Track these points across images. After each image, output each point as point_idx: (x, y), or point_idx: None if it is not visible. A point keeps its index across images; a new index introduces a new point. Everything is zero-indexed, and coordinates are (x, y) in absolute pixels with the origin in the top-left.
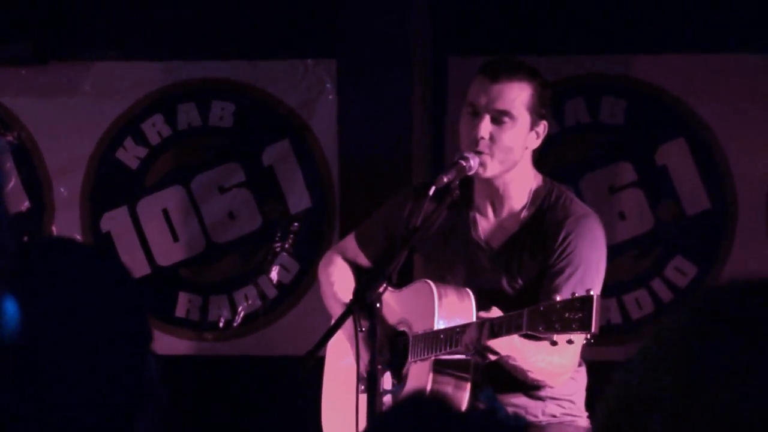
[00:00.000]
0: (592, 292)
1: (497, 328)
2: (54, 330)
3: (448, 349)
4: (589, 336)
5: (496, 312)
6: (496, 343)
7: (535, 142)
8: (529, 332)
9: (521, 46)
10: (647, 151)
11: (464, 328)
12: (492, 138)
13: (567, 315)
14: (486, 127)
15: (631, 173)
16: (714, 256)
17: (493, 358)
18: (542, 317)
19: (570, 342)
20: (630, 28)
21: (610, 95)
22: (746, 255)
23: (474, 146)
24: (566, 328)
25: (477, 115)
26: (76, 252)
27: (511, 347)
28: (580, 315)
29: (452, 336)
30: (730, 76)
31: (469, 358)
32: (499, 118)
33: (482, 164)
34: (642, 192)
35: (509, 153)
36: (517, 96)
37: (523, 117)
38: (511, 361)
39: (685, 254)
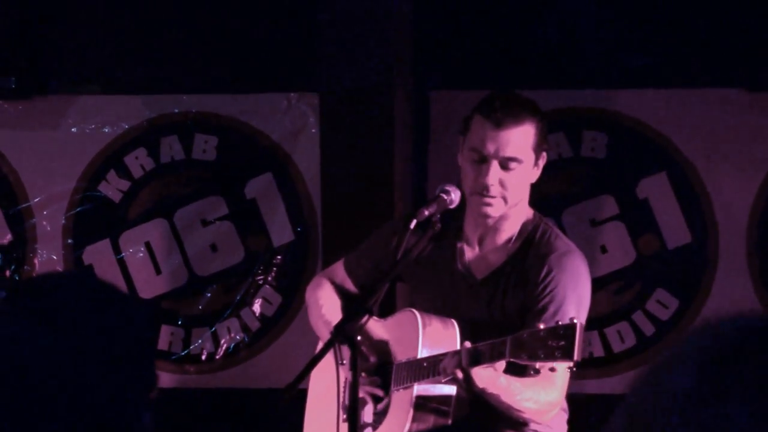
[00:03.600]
0: (575, 321)
1: (476, 357)
2: (55, 366)
3: (430, 377)
4: (572, 365)
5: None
6: (476, 373)
7: (537, 175)
8: (511, 359)
9: (502, 80)
10: (629, 184)
11: (445, 356)
12: (501, 183)
13: (550, 343)
14: (495, 174)
15: (612, 207)
16: (695, 289)
17: (476, 388)
18: (526, 345)
19: (552, 370)
20: (611, 63)
21: (592, 129)
22: (727, 288)
23: (484, 192)
24: (549, 356)
25: (484, 162)
26: (88, 287)
27: (492, 383)
28: (563, 343)
29: (435, 364)
30: (711, 111)
31: (451, 393)
32: (508, 164)
33: (492, 207)
34: (624, 225)
35: (517, 193)
36: (524, 140)
37: (529, 157)
38: (493, 399)
39: (667, 287)
